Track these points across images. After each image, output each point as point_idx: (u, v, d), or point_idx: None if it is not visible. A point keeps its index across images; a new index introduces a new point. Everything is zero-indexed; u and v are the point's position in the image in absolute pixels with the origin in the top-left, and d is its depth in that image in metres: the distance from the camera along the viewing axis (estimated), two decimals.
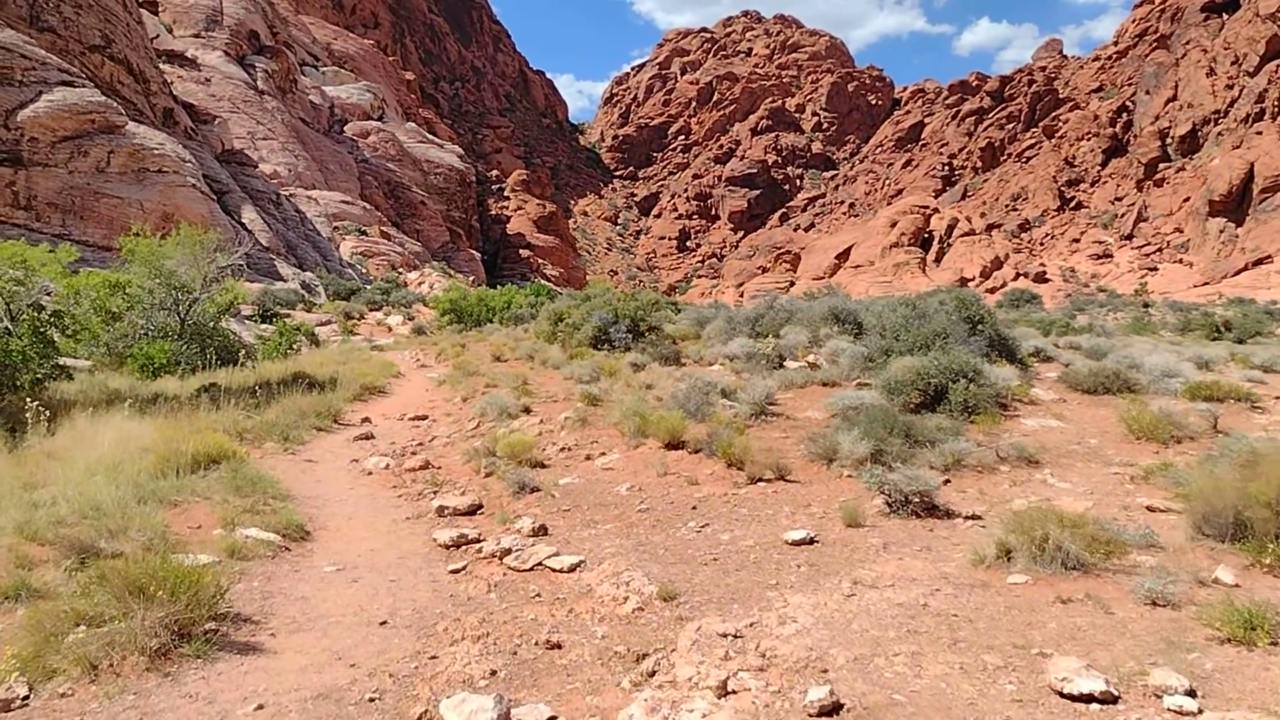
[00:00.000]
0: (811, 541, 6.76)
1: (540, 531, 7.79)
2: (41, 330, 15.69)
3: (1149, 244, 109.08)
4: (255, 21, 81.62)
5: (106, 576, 5.00)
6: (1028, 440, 9.88)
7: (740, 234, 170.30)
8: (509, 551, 6.99)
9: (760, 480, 8.87)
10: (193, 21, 75.55)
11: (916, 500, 7.23)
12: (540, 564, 6.73)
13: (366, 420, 16.18)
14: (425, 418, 16.47)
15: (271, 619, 5.67)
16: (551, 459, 10.85)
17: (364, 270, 64.44)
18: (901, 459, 8.77)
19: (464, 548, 7.55)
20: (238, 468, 9.73)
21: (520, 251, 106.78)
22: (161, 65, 60.84)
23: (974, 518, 7.22)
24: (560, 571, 6.62)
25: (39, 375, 14.81)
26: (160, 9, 73.61)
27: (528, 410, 14.31)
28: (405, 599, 6.17)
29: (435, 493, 10.05)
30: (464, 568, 6.90)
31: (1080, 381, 13.14)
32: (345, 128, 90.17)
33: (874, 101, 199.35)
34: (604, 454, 10.84)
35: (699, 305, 42.22)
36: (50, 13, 47.74)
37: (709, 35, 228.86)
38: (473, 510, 9.06)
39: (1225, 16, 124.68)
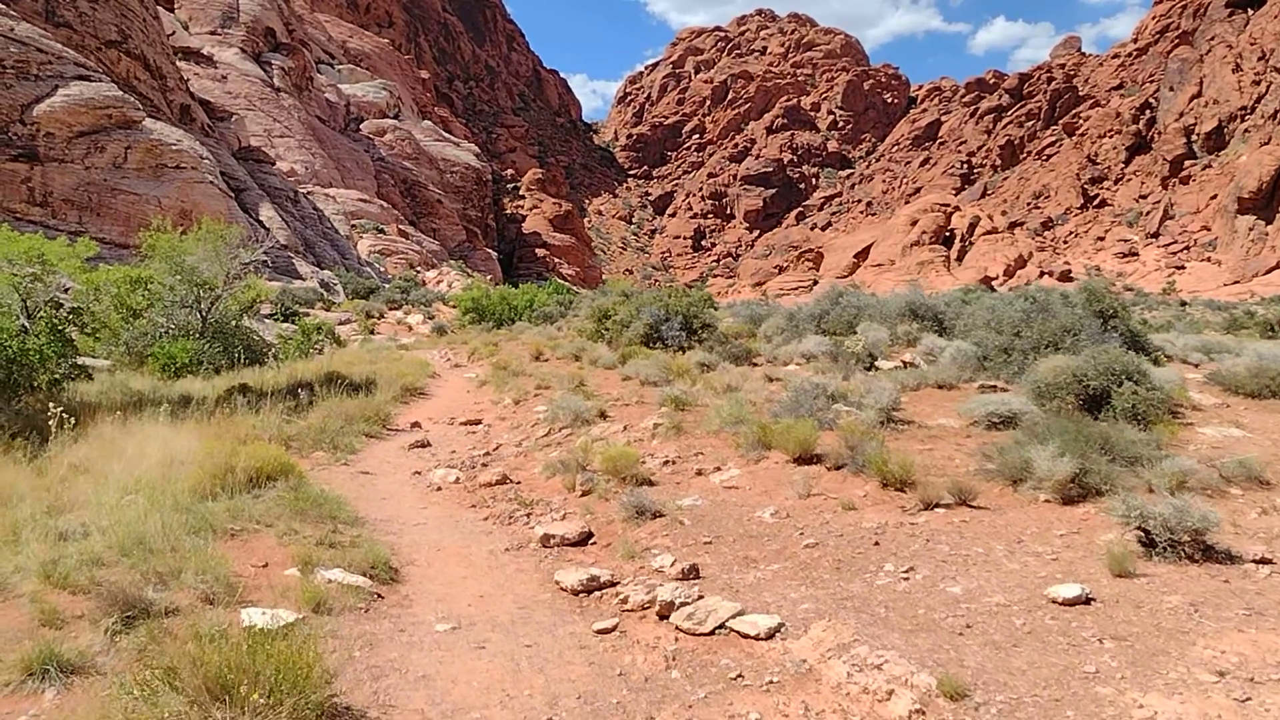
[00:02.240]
0: (1088, 600, 5.12)
1: (691, 574, 6.19)
2: (60, 328, 14.41)
3: (1176, 242, 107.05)
4: (271, 19, 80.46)
5: (178, 670, 3.46)
6: (1221, 454, 8.26)
7: (756, 233, 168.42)
8: (672, 606, 5.38)
9: (936, 506, 7.27)
10: (209, 18, 74.46)
11: (1187, 540, 5.63)
12: (724, 625, 5.12)
13: (416, 425, 14.77)
14: (478, 422, 15.04)
15: (394, 714, 4.12)
16: (656, 474, 9.27)
17: (382, 269, 63.15)
18: (1108, 480, 7.18)
19: (598, 594, 5.98)
20: (297, 486, 8.20)
21: (536, 250, 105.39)
22: (178, 62, 59.66)
23: (1265, 562, 5.61)
24: (755, 639, 4.97)
25: (57, 376, 13.57)
26: (176, 5, 72.50)
27: (604, 415, 12.75)
28: (558, 678, 4.60)
29: (528, 515, 8.51)
30: (614, 627, 5.31)
31: (1241, 384, 11.49)
32: (361, 126, 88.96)
33: (890, 100, 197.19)
34: (718, 469, 9.25)
35: (731, 303, 40.72)
36: (66, 7, 46.56)
37: (723, 34, 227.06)
38: (583, 539, 7.51)
39: (1251, 12, 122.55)
